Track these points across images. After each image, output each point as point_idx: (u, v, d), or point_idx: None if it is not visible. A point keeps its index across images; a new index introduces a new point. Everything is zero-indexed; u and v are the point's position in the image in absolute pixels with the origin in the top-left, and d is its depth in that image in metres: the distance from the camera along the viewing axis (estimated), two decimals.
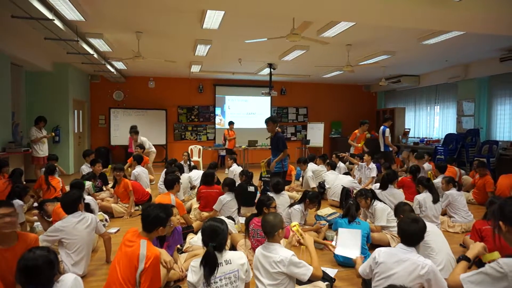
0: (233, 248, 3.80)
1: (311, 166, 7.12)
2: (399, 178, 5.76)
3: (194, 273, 2.21)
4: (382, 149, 8.13)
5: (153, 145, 8.93)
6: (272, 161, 5.80)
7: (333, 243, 3.90)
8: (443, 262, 3.07)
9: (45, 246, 2.55)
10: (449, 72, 9.55)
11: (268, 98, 12.32)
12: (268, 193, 4.66)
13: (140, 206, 5.78)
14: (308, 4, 4.36)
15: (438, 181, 5.73)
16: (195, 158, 10.24)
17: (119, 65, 9.08)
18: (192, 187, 6.52)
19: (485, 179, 6.18)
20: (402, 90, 12.26)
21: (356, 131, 8.33)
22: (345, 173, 7.22)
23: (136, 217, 5.31)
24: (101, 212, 4.97)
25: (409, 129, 11.81)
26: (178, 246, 3.59)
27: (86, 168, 6.59)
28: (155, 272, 2.42)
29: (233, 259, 2.27)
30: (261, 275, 2.44)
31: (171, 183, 4.47)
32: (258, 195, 5.16)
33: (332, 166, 7.02)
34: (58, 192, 5.37)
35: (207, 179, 5.11)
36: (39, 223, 4.21)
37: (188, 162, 7.88)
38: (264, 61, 9.00)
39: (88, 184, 5.28)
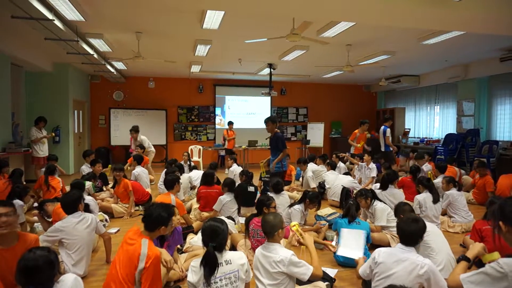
0: (233, 248, 3.80)
1: (311, 166, 7.12)
2: (399, 178, 5.76)
3: (194, 273, 2.21)
4: (382, 149, 8.13)
5: (153, 145, 8.94)
6: (271, 161, 5.81)
7: (333, 243, 3.90)
8: (443, 262, 3.07)
9: (46, 246, 2.55)
10: (449, 72, 9.55)
11: (268, 98, 12.32)
12: (268, 193, 4.66)
13: (140, 206, 5.79)
14: (308, 4, 4.36)
15: (438, 181, 5.73)
16: (195, 158, 10.24)
17: (119, 65, 9.08)
18: (192, 187, 6.52)
19: (485, 179, 6.18)
20: (402, 90, 12.26)
21: (356, 131, 8.33)
22: (345, 173, 7.22)
23: (136, 217, 5.32)
24: (101, 212, 4.97)
25: (409, 129, 11.81)
26: (178, 246, 3.59)
27: (86, 168, 6.59)
28: (155, 272, 2.42)
29: (233, 259, 2.27)
30: (261, 275, 2.44)
31: (171, 183, 4.47)
32: (258, 195, 5.16)
33: (332, 166, 7.02)
34: (58, 192, 5.37)
35: (207, 179, 5.11)
36: (39, 223, 4.21)
37: (188, 162, 7.88)
38: (264, 61, 9.00)
39: (88, 184, 5.28)
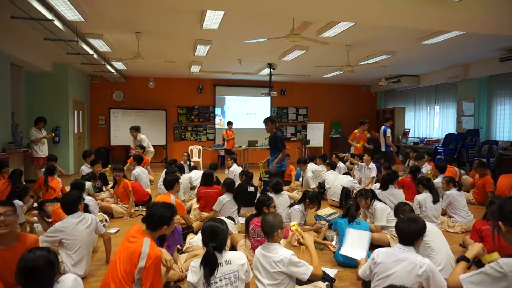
0: (233, 248, 3.80)
1: (311, 166, 7.12)
2: (399, 178, 5.76)
3: (194, 273, 2.21)
4: (383, 149, 8.13)
5: (153, 145, 8.95)
6: (270, 161, 5.82)
7: (333, 243, 3.90)
8: (443, 262, 3.08)
9: (45, 246, 2.55)
10: (449, 72, 9.55)
11: (268, 98, 12.32)
12: (268, 193, 4.67)
13: (140, 206, 5.79)
14: (308, 4, 4.36)
15: (438, 181, 5.73)
16: (195, 158, 10.24)
17: (119, 65, 9.08)
18: (192, 188, 6.52)
19: (485, 179, 6.18)
20: (402, 90, 12.26)
21: (356, 130, 8.33)
22: (345, 173, 7.22)
23: (136, 218, 5.32)
24: (101, 213, 4.97)
25: (409, 129, 11.82)
26: (178, 246, 3.59)
27: (85, 169, 6.59)
28: (156, 272, 2.42)
29: (233, 260, 2.27)
30: (261, 275, 2.44)
31: (171, 184, 4.46)
32: (258, 195, 5.16)
33: (332, 166, 7.02)
34: (58, 192, 5.37)
35: (206, 179, 5.12)
36: (39, 223, 4.21)
37: (188, 163, 7.88)
38: (264, 61, 9.00)
39: (88, 184, 5.28)
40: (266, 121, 5.68)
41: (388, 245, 3.71)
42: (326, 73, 10.31)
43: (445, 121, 10.56)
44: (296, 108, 13.01)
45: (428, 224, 2.62)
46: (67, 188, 5.14)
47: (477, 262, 2.23)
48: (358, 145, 8.22)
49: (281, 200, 4.76)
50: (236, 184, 5.12)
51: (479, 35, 6.13)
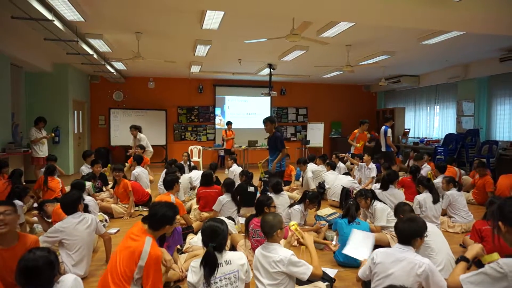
0: (233, 248, 3.80)
1: (311, 166, 7.12)
2: (399, 178, 5.76)
3: (194, 274, 2.21)
4: (383, 149, 8.13)
5: (153, 145, 8.95)
6: (270, 161, 5.82)
7: (333, 243, 3.90)
8: (443, 262, 3.08)
9: (46, 247, 2.55)
10: (449, 72, 9.55)
11: (268, 99, 12.32)
12: (268, 193, 4.67)
13: (140, 206, 5.79)
14: (308, 4, 4.36)
15: (438, 181, 5.73)
16: (195, 158, 10.24)
17: (119, 65, 9.09)
18: (192, 188, 6.52)
19: (485, 179, 6.18)
20: (402, 90, 12.26)
21: (356, 130, 8.33)
22: (345, 173, 7.22)
23: (136, 218, 5.32)
24: (101, 213, 4.97)
25: (409, 129, 11.81)
26: (178, 246, 3.59)
27: (85, 169, 6.60)
28: (156, 271, 2.42)
29: (233, 260, 2.27)
30: (261, 275, 2.44)
31: (170, 184, 4.47)
32: (258, 195, 5.16)
33: (332, 167, 7.01)
34: (58, 192, 5.37)
35: (205, 179, 5.12)
36: (39, 224, 4.21)
37: (188, 163, 7.88)
38: (264, 61, 9.01)
39: (88, 184, 5.28)
40: (265, 121, 5.68)
41: (388, 245, 3.70)
42: (326, 73, 10.31)
43: (445, 121, 10.56)
44: (296, 108, 13.01)
45: (428, 224, 2.62)
46: (67, 188, 5.14)
47: (477, 263, 2.23)
48: (358, 145, 8.22)
49: (281, 200, 4.76)
50: (236, 184, 5.12)
51: (479, 35, 6.13)
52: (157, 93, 11.54)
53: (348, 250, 3.40)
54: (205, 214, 4.85)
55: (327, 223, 4.62)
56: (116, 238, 4.21)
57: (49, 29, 5.14)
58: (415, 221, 2.43)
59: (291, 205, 4.55)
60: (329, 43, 6.10)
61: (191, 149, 10.46)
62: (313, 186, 6.58)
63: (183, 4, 4.74)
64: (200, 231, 2.78)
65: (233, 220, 4.43)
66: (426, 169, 7.02)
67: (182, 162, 7.43)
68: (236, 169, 7.02)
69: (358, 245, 3.39)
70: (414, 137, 11.62)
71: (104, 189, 6.29)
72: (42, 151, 7.44)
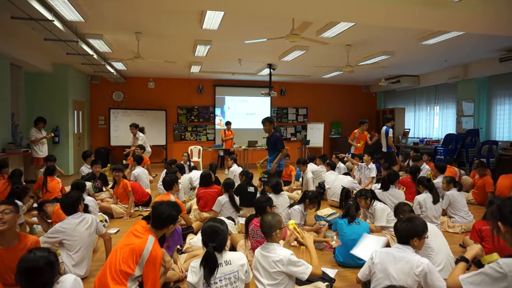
0: (233, 248, 3.80)
1: (311, 166, 7.11)
2: (400, 178, 5.76)
3: (194, 274, 2.21)
4: (384, 149, 8.14)
5: (153, 145, 8.95)
6: (269, 161, 5.83)
7: (333, 243, 3.91)
8: (442, 263, 3.08)
9: (46, 247, 2.56)
10: (448, 72, 9.55)
11: (268, 99, 12.32)
12: (267, 193, 4.67)
13: (140, 206, 5.80)
14: (308, 5, 4.37)
15: (438, 181, 5.73)
16: (195, 158, 10.24)
17: (119, 65, 9.08)
18: (193, 188, 6.52)
19: (485, 179, 6.18)
20: (401, 90, 12.26)
21: (356, 130, 8.33)
22: (345, 174, 7.22)
23: (136, 218, 5.32)
24: (101, 213, 4.97)
25: (409, 129, 11.82)
26: (178, 246, 3.59)
27: (85, 169, 6.61)
28: (155, 271, 2.43)
29: (233, 260, 2.28)
30: (260, 275, 2.45)
31: (170, 184, 4.47)
32: (258, 195, 5.16)
33: (332, 167, 7.01)
34: (57, 193, 5.37)
35: (204, 180, 5.13)
36: (39, 224, 4.20)
37: (188, 163, 7.88)
38: (263, 61, 9.01)
39: (88, 185, 5.28)
40: (264, 121, 5.70)
41: (388, 246, 3.70)
42: (326, 73, 10.31)
43: (445, 121, 10.56)
44: (296, 109, 13.01)
45: (428, 224, 2.62)
46: (67, 189, 5.14)
47: (477, 263, 2.23)
48: (359, 145, 8.22)
49: (281, 201, 4.77)
50: (236, 185, 5.12)
51: (479, 35, 6.13)
52: (157, 93, 11.54)
53: (357, 251, 3.39)
54: (205, 214, 4.85)
55: (327, 223, 4.62)
56: (116, 238, 4.20)
57: (49, 29, 5.13)
58: (413, 221, 2.43)
59: (291, 205, 4.55)
60: (329, 43, 6.10)
61: (191, 149, 10.46)
62: (312, 187, 6.57)
63: (183, 4, 4.74)
64: (200, 231, 2.78)
65: (233, 220, 4.43)
66: (425, 169, 7.02)
67: (182, 162, 7.43)
68: (236, 169, 7.02)
69: (367, 247, 3.38)
70: (414, 137, 11.62)
71: (104, 189, 6.29)
72: (42, 151, 7.44)
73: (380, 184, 5.35)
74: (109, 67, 8.70)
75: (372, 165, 7.15)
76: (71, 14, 4.94)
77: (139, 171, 6.58)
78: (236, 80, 11.86)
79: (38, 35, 5.64)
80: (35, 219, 4.20)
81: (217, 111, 12.19)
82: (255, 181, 6.24)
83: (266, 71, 9.69)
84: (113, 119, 10.94)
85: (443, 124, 10.62)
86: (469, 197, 6.30)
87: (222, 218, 3.85)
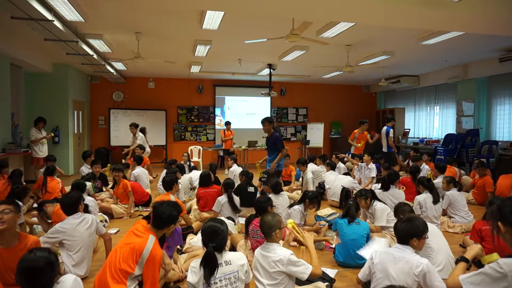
0: (233, 248, 3.80)
1: (311, 167, 7.11)
2: (400, 178, 5.76)
3: (194, 274, 2.22)
4: (385, 149, 8.14)
5: (153, 146, 8.94)
6: (268, 161, 5.83)
7: (333, 244, 3.92)
8: (442, 263, 3.08)
9: (46, 247, 2.56)
10: (448, 72, 9.56)
11: (268, 99, 12.32)
12: (266, 193, 4.67)
13: (140, 206, 5.80)
14: (308, 5, 4.36)
15: (438, 181, 5.73)
16: (195, 158, 10.24)
17: (119, 65, 9.08)
18: (193, 188, 6.52)
19: (485, 179, 6.18)
20: (401, 90, 12.27)
21: (356, 130, 8.33)
22: (345, 174, 7.22)
23: (136, 218, 5.31)
24: (101, 213, 4.97)
25: (409, 129, 11.82)
26: (178, 246, 3.59)
27: (85, 169, 6.61)
28: (155, 271, 2.43)
29: (233, 260, 2.28)
30: (260, 275, 2.45)
31: (169, 184, 4.47)
32: (258, 195, 5.16)
33: (332, 167, 7.01)
34: (57, 193, 5.37)
35: (203, 180, 5.13)
36: (39, 224, 4.20)
37: (188, 163, 7.88)
38: (263, 61, 9.01)
39: (88, 185, 5.28)
40: (264, 121, 5.71)
41: (388, 246, 3.71)
42: (326, 73, 10.31)
43: (445, 121, 10.56)
44: (296, 109, 13.01)
45: (428, 224, 2.62)
46: (67, 189, 5.14)
47: (477, 263, 2.23)
48: (359, 145, 8.22)
49: (281, 201, 4.76)
50: (236, 185, 5.12)
51: (479, 35, 6.13)
52: (157, 93, 11.53)
53: (363, 252, 3.38)
54: (205, 215, 4.85)
55: (327, 223, 4.62)
56: (116, 238, 4.20)
57: (49, 29, 5.13)
58: (413, 222, 2.43)
59: (291, 205, 4.55)
60: (329, 43, 6.10)
61: (191, 149, 10.46)
62: (311, 187, 6.56)
63: (183, 4, 4.74)
64: (200, 231, 2.78)
65: (233, 220, 4.43)
66: (424, 169, 7.02)
67: (182, 162, 7.43)
68: (236, 169, 7.02)
69: (375, 248, 3.36)
70: (414, 137, 11.62)
71: (104, 189, 6.29)
72: (42, 151, 7.44)
73: (380, 184, 5.35)
74: (109, 67, 8.70)
75: (372, 165, 7.15)
76: (71, 14, 4.94)
77: (139, 171, 6.58)
78: (236, 80, 11.86)
79: (38, 35, 5.64)
80: (35, 219, 4.20)
81: (217, 111, 12.19)
82: (255, 181, 6.24)
83: (266, 71, 9.69)
84: (113, 119, 10.94)
85: (443, 124, 10.62)
86: (469, 197, 6.30)
87: (222, 218, 3.86)
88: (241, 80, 11.82)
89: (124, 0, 4.71)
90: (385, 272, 2.35)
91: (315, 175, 6.93)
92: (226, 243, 2.40)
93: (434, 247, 3.10)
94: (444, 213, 4.92)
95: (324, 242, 4.13)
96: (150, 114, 11.21)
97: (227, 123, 10.47)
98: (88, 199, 4.39)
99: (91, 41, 6.54)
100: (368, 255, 3.27)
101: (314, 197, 4.43)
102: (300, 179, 7.24)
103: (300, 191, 6.58)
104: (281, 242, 2.63)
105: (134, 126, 8.47)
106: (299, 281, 2.57)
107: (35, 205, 4.61)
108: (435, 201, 4.51)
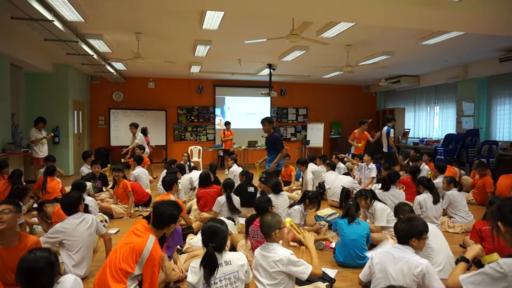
0: (233, 249, 3.80)
1: (311, 167, 7.10)
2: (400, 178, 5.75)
3: (194, 274, 2.22)
4: (385, 149, 8.13)
5: (153, 146, 8.92)
6: (268, 160, 5.84)
7: (332, 244, 3.92)
8: (443, 263, 3.08)
9: (46, 247, 2.56)
10: (448, 72, 9.56)
11: (268, 99, 12.32)
12: (266, 193, 4.67)
13: (140, 207, 5.80)
14: (308, 5, 4.36)
15: (438, 181, 5.73)
16: (195, 158, 10.23)
17: (119, 66, 9.09)
18: (193, 188, 6.52)
19: (485, 179, 6.18)
20: (401, 90, 12.27)
21: (356, 130, 8.33)
22: (345, 174, 7.22)
23: (136, 218, 5.31)
24: (101, 213, 4.97)
25: (409, 129, 11.82)
26: (178, 246, 3.59)
27: (85, 169, 6.61)
28: (155, 271, 2.43)
29: (233, 260, 2.28)
30: (260, 275, 2.45)
31: (169, 184, 4.47)
32: (258, 195, 5.16)
33: (332, 167, 7.01)
34: (57, 193, 5.37)
35: (203, 180, 5.13)
36: (39, 225, 4.20)
37: (188, 163, 7.88)
38: (263, 61, 9.01)
39: (88, 185, 5.28)
40: (264, 121, 5.71)
41: None
42: (326, 73, 10.31)
43: (445, 121, 10.56)
44: (296, 109, 13.01)
45: (428, 224, 2.62)
46: (68, 189, 5.14)
47: (477, 263, 2.23)
48: (359, 145, 8.22)
49: (281, 201, 4.76)
50: (236, 185, 5.12)
51: (479, 35, 6.13)
52: (157, 93, 11.53)
53: (370, 254, 3.37)
54: (205, 215, 4.85)
55: (327, 223, 4.62)
56: (116, 238, 4.20)
57: (49, 29, 5.13)
58: (412, 222, 2.43)
59: (291, 205, 4.55)
60: (329, 43, 6.10)
61: (191, 150, 10.46)
62: (310, 188, 6.54)
63: (183, 4, 4.74)
64: (200, 231, 2.78)
65: (233, 220, 4.43)
66: (424, 169, 7.02)
67: (182, 162, 7.43)
68: (236, 170, 7.02)
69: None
70: (414, 137, 11.62)
71: (104, 189, 6.29)
72: (42, 151, 7.44)
73: (380, 184, 5.35)
74: (109, 67, 8.70)
75: (372, 165, 7.15)
76: (71, 14, 4.94)
77: (139, 171, 6.58)
78: (236, 80, 11.86)
79: (38, 35, 5.64)
80: (35, 219, 4.20)
81: (217, 111, 12.19)
82: (255, 181, 6.24)
83: (266, 71, 9.69)
84: (113, 119, 10.94)
85: (443, 124, 10.62)
86: (469, 197, 6.30)
87: (222, 218, 3.86)
88: (241, 80, 11.82)
89: (124, 0, 4.71)
90: (385, 272, 2.35)
91: (315, 175, 6.92)
92: (226, 243, 2.40)
93: (434, 247, 3.10)
94: (444, 213, 4.92)
95: (324, 242, 4.13)
96: (150, 114, 11.21)
97: (227, 123, 10.46)
98: (88, 199, 4.39)
99: (91, 41, 6.54)
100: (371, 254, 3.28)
101: (314, 197, 4.43)
102: (300, 179, 7.24)
103: (300, 191, 6.58)
104: (280, 242, 2.63)
105: (134, 126, 8.49)
106: (299, 281, 2.57)
107: (35, 205, 4.61)
108: (435, 201, 4.51)
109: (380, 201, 4.38)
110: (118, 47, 7.20)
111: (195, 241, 3.83)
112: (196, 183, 6.42)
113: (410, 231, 2.39)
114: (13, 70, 7.41)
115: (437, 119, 10.92)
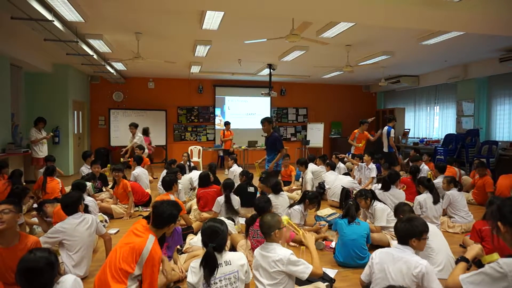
0: (233, 249, 3.80)
1: (311, 167, 7.10)
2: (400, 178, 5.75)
3: (194, 274, 2.22)
4: (386, 149, 8.13)
5: (153, 146, 8.92)
6: (267, 160, 5.84)
7: (332, 244, 3.91)
8: (443, 263, 3.08)
9: (46, 247, 2.56)
10: (448, 73, 9.56)
11: (268, 99, 12.32)
12: (266, 194, 4.67)
13: (140, 207, 5.79)
14: (308, 5, 4.36)
15: (438, 181, 5.73)
16: (195, 158, 10.23)
17: (119, 66, 9.08)
18: (193, 188, 6.52)
19: (485, 179, 6.18)
20: (401, 90, 12.27)
21: (356, 130, 8.34)
22: (345, 174, 7.22)
23: (136, 218, 5.31)
24: (101, 213, 4.97)
25: (409, 129, 11.82)
26: (178, 246, 3.59)
27: (85, 169, 6.61)
28: (155, 271, 2.43)
29: (233, 260, 2.28)
30: (260, 275, 2.45)
31: (169, 184, 4.47)
32: (258, 195, 5.15)
33: (332, 167, 7.01)
34: (57, 193, 5.37)
35: (203, 180, 5.13)
36: (39, 225, 4.20)
37: (188, 163, 7.88)
38: (263, 61, 9.01)
39: (88, 185, 5.28)
40: (263, 121, 5.72)
41: (388, 246, 3.71)
42: (325, 73, 10.31)
43: (445, 121, 10.56)
44: (296, 109, 13.01)
45: (428, 224, 2.62)
46: (68, 189, 5.14)
47: (477, 263, 2.23)
48: (359, 145, 8.22)
49: (281, 201, 4.76)
50: (236, 185, 5.12)
51: (479, 35, 6.13)
52: (157, 93, 11.54)
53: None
54: (205, 215, 4.85)
55: (327, 224, 4.62)
56: (116, 238, 4.20)
57: (49, 29, 5.13)
58: (412, 222, 2.43)
59: (291, 206, 4.55)
60: (329, 43, 6.10)
61: (191, 150, 10.46)
62: (309, 188, 6.53)
63: (183, 4, 4.74)
64: (200, 231, 2.78)
65: (233, 220, 4.43)
66: (424, 170, 7.02)
67: (182, 163, 7.43)
68: (236, 170, 7.02)
69: None
70: (414, 137, 11.62)
71: (104, 189, 6.29)
72: (42, 151, 7.44)
73: (380, 184, 5.35)
74: (109, 67, 8.70)
75: (372, 165, 7.15)
76: (71, 15, 4.94)
77: (139, 171, 6.58)
78: (236, 80, 11.86)
79: (38, 35, 5.64)
80: (35, 219, 4.21)
81: (217, 111, 12.19)
82: (255, 181, 6.24)
83: (266, 71, 9.69)
84: (113, 119, 10.94)
85: (443, 124, 10.62)
86: (469, 197, 6.30)
87: (222, 218, 3.86)
88: (241, 80, 11.82)
89: (124, 0, 4.71)
90: (384, 272, 2.35)
91: (315, 175, 6.92)
92: (226, 243, 2.40)
93: (434, 247, 3.11)
94: (444, 213, 4.92)
95: (324, 242, 4.13)
96: (150, 114, 11.21)
97: (226, 123, 10.45)
98: (88, 199, 4.39)
99: (91, 41, 6.54)
100: None
101: (314, 197, 4.43)
102: (300, 179, 7.24)
103: (300, 191, 6.58)
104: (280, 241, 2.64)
105: (133, 126, 8.50)
106: (299, 281, 2.57)
107: (35, 205, 4.61)
108: (435, 201, 4.51)
109: (380, 201, 4.38)
110: (118, 47, 7.20)
111: (195, 241, 3.83)
112: (196, 183, 6.42)
113: (410, 231, 2.39)
114: (13, 70, 7.41)
115: (437, 119, 10.92)
